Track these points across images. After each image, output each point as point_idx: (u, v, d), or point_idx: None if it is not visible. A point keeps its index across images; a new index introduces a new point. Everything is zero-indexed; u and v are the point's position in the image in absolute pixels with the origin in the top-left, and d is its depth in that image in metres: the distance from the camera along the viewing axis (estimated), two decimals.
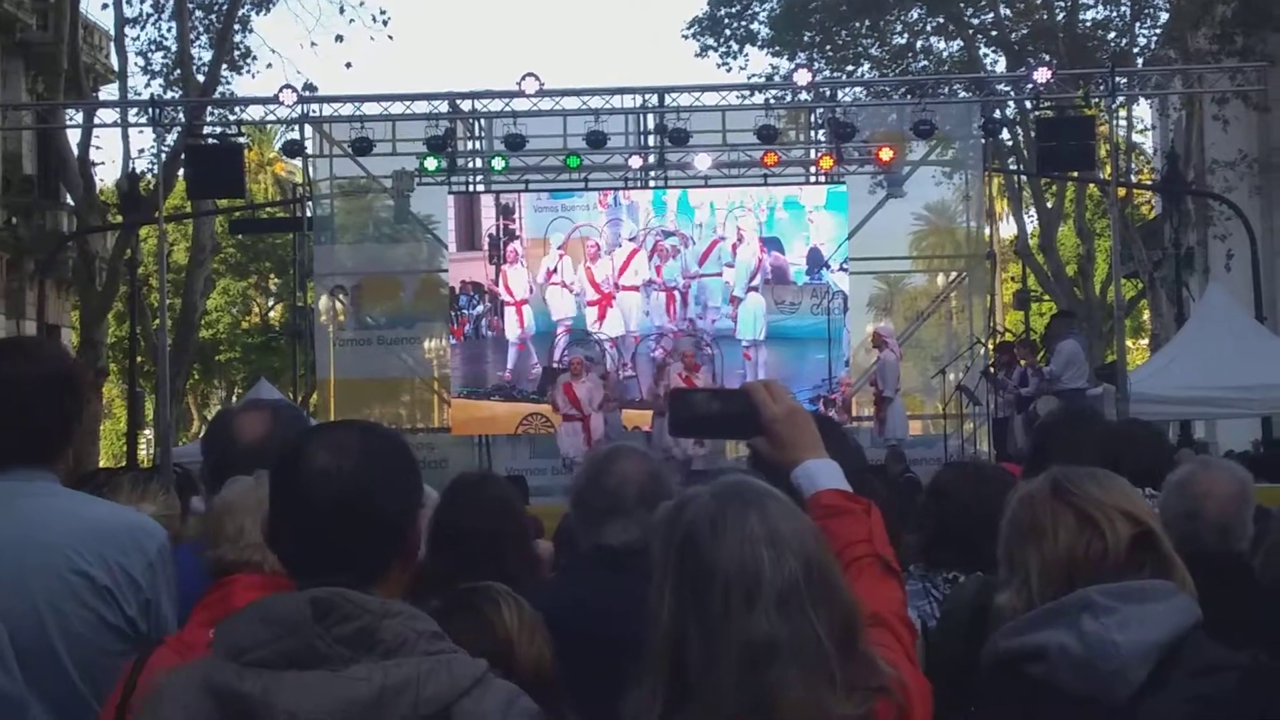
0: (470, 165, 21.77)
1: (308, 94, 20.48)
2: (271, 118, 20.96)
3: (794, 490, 2.31)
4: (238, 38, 27.27)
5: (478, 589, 2.74)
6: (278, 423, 3.20)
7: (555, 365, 19.86)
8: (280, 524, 2.10)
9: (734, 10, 31.82)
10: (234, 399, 43.41)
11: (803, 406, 2.51)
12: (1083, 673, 2.34)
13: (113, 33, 27.75)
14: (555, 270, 20.23)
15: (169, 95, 24.63)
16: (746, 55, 32.68)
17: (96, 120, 24.59)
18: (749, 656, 1.92)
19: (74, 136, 24.95)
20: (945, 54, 31.60)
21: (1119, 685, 2.32)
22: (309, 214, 22.33)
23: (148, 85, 26.91)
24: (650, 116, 20.28)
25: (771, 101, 20.60)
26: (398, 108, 19.89)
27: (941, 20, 30.67)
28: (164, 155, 20.71)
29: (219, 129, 20.33)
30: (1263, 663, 2.43)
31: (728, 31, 31.78)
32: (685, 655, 1.95)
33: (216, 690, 1.97)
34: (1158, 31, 30.15)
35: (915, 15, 31.31)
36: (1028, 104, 22.80)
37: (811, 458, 2.37)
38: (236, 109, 21.23)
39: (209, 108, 22.30)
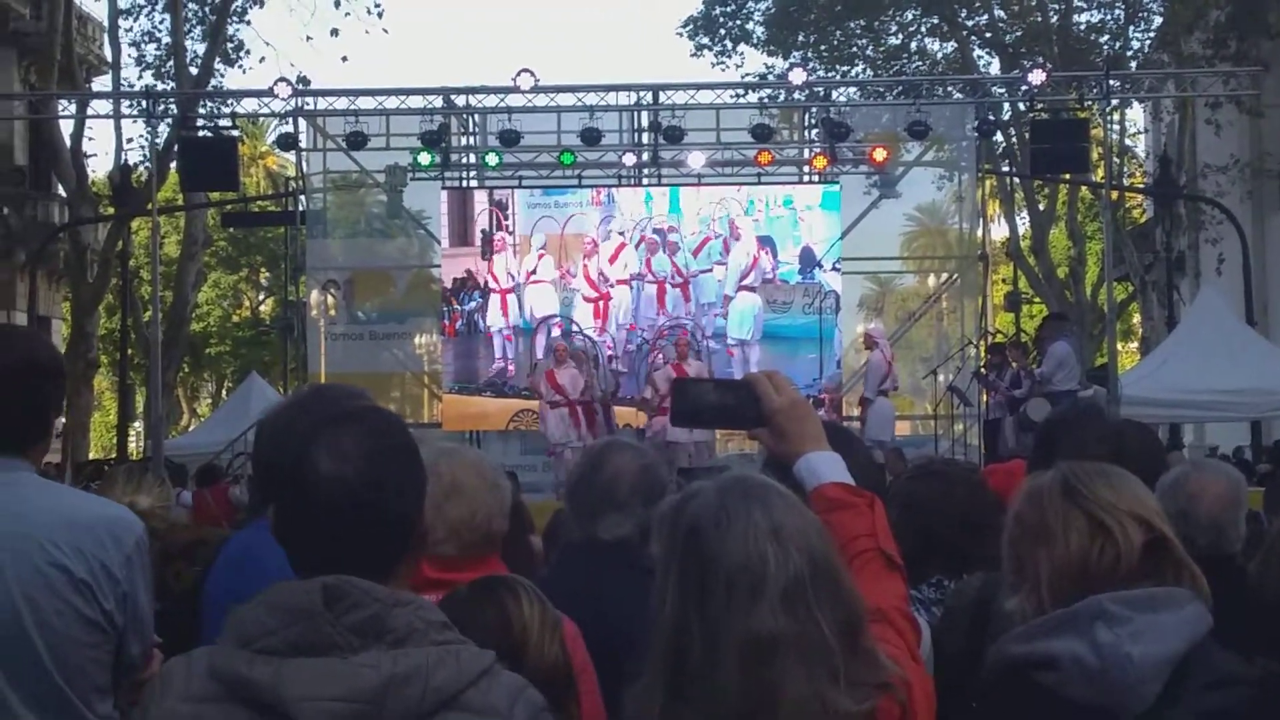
0: (464, 161, 21.75)
1: (302, 87, 20.42)
2: (265, 111, 20.91)
3: (796, 483, 2.28)
4: (231, 30, 27.24)
5: (505, 579, 2.71)
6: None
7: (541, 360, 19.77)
8: (288, 524, 2.08)
9: (729, 9, 31.82)
10: (224, 393, 43.31)
11: (805, 399, 2.47)
12: (1096, 685, 2.29)
13: (106, 24, 27.73)
14: (535, 271, 20.16)
15: (162, 87, 24.54)
16: (741, 54, 32.68)
17: (89, 111, 24.55)
18: (752, 651, 1.91)
19: (66, 127, 24.92)
20: (939, 55, 31.62)
21: (1132, 699, 2.28)
22: (301, 208, 22.30)
23: (140, 77, 26.87)
24: (645, 114, 20.26)
25: (766, 101, 20.58)
26: (392, 102, 19.86)
27: (936, 21, 30.69)
28: (157, 147, 20.63)
29: (212, 121, 20.28)
30: (1276, 675, 2.40)
31: (723, 30, 31.78)
32: (687, 649, 1.94)
33: (225, 677, 1.96)
34: (1151, 35, 30.19)
35: (910, 16, 31.33)
36: (1021, 106, 22.81)
37: (814, 450, 2.35)
38: (230, 102, 21.17)
39: (202, 100, 22.23)
